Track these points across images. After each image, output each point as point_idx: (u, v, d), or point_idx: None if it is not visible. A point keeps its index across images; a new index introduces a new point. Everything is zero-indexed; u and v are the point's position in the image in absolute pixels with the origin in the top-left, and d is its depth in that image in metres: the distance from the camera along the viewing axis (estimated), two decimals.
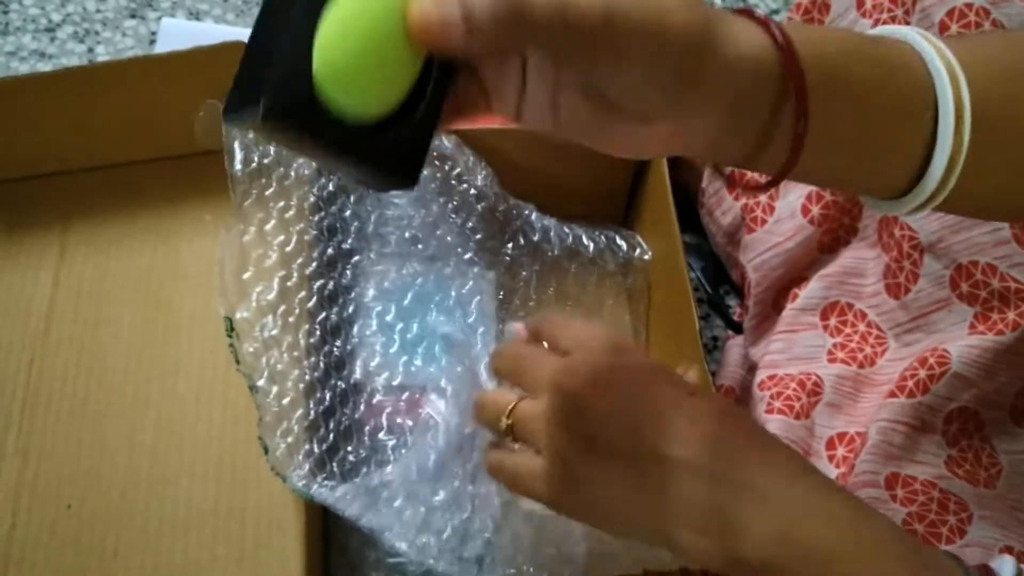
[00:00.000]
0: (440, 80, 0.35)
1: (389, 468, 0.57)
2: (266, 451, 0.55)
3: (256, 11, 0.97)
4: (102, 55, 0.92)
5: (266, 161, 0.61)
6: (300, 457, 0.56)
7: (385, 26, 0.33)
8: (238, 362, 0.56)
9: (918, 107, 0.36)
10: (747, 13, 0.35)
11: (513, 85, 0.35)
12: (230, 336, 0.56)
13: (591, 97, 0.34)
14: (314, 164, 0.64)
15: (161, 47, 0.92)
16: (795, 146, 0.35)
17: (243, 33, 0.92)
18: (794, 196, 0.67)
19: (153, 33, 0.93)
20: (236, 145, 0.60)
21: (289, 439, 0.56)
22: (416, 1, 0.32)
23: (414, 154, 0.35)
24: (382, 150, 0.35)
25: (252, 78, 0.34)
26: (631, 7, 0.31)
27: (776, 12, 1.01)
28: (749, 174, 0.61)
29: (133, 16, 0.94)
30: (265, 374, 0.57)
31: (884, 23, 0.60)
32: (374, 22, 0.33)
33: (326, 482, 0.56)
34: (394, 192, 0.68)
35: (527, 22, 0.31)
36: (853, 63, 0.35)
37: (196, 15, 0.95)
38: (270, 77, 0.33)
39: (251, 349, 0.57)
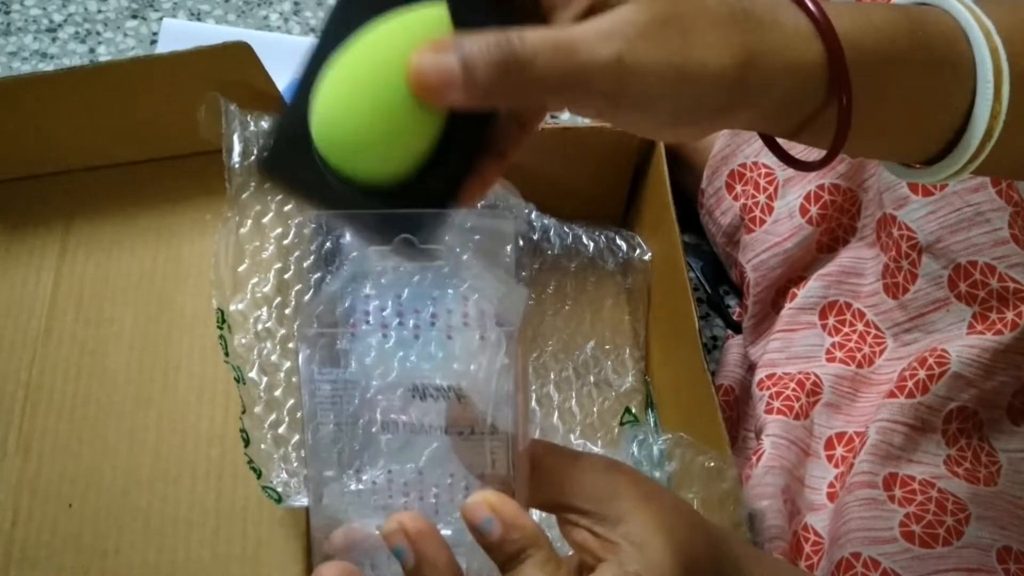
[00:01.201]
0: (465, 139, 0.32)
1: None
2: (247, 443, 0.55)
3: (257, 11, 0.98)
4: (103, 55, 0.92)
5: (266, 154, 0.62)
6: (289, 448, 0.56)
7: (388, 84, 0.30)
8: (227, 354, 0.56)
9: (959, 82, 0.35)
10: None
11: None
12: (220, 328, 0.57)
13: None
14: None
15: (162, 47, 0.92)
16: (837, 139, 0.34)
17: (244, 34, 0.92)
18: (793, 196, 0.67)
19: (154, 34, 0.94)
20: (235, 138, 0.60)
21: (280, 429, 0.56)
22: (414, 55, 0.30)
23: (431, 222, 0.33)
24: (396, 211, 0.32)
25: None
26: (649, 60, 0.29)
27: None
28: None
29: (135, 17, 0.95)
30: (256, 365, 0.57)
31: None
32: (375, 77, 0.31)
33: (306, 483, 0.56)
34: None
35: (529, 78, 0.29)
36: (898, 52, 0.34)
37: (197, 15, 0.95)
38: (273, 132, 0.32)
39: (243, 341, 0.57)
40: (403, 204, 0.32)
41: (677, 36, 0.29)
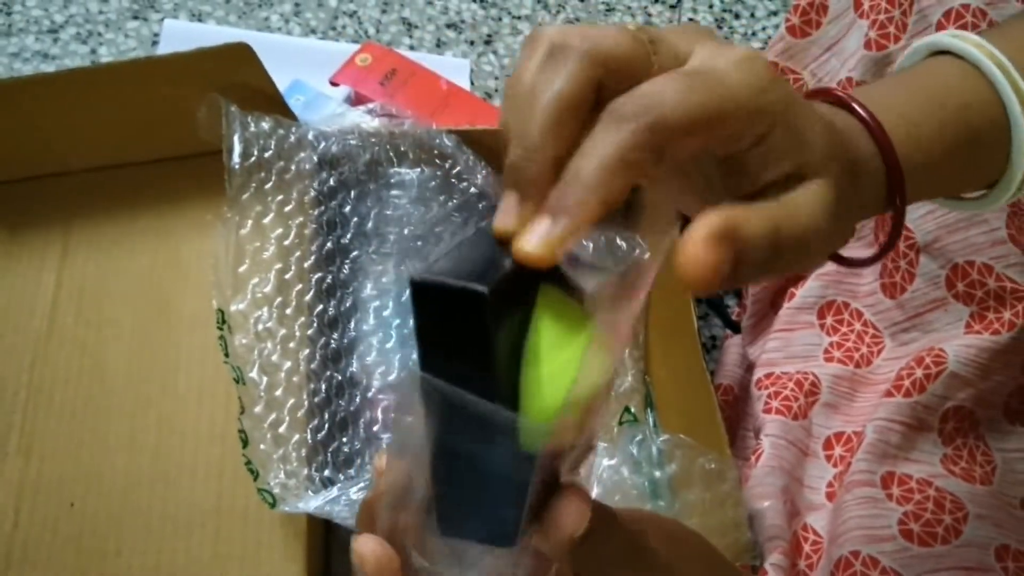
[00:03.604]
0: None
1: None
2: (245, 443, 0.55)
3: (258, 12, 0.98)
4: (105, 56, 0.92)
5: (266, 155, 0.62)
6: (289, 448, 0.56)
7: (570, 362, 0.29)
8: (227, 355, 0.56)
9: (998, 135, 0.37)
10: (830, 96, 0.35)
11: None
12: (220, 328, 0.57)
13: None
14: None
15: (164, 48, 0.92)
16: (894, 226, 0.35)
17: (245, 35, 0.93)
18: None
19: (156, 34, 0.94)
20: (236, 139, 0.60)
21: (280, 429, 0.56)
22: (689, 256, 0.27)
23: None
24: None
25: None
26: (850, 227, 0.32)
27: (775, 13, 1.01)
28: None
29: (136, 17, 0.95)
30: (256, 365, 0.57)
31: (882, 24, 0.60)
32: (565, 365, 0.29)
33: (307, 484, 0.56)
34: (396, 192, 0.68)
35: (781, 265, 0.30)
36: (937, 131, 0.36)
37: (199, 16, 0.95)
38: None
39: (244, 341, 0.57)
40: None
41: (849, 203, 0.32)
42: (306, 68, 0.83)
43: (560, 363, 0.28)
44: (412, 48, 0.95)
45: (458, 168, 0.68)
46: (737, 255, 0.27)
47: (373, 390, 0.62)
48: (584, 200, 0.27)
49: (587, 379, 0.28)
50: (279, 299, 0.60)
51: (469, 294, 0.26)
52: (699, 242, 0.27)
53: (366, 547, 0.32)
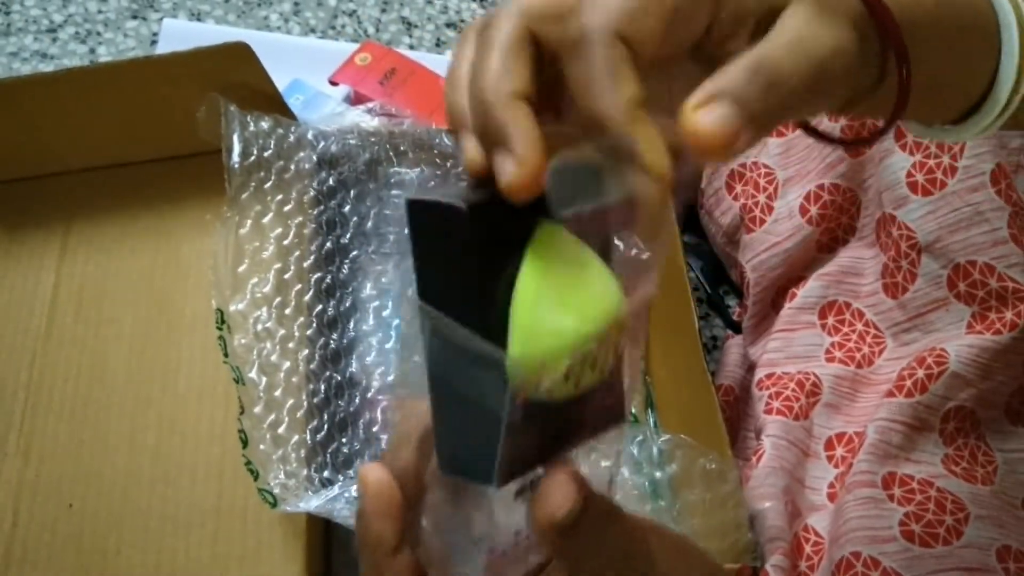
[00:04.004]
0: None
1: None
2: (245, 444, 0.55)
3: (257, 11, 0.98)
4: (104, 56, 0.92)
5: (266, 154, 0.62)
6: (288, 448, 0.56)
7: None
8: (226, 355, 0.56)
9: (985, 41, 0.35)
10: None
11: None
12: (220, 328, 0.57)
13: None
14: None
15: (163, 48, 0.92)
16: (901, 94, 0.33)
17: (244, 34, 0.92)
18: (793, 196, 0.67)
19: (155, 34, 0.94)
20: (235, 138, 0.60)
21: (279, 429, 0.56)
22: (692, 122, 0.27)
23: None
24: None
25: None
26: (844, 46, 0.29)
27: None
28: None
29: (135, 17, 0.95)
30: (256, 365, 0.57)
31: None
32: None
33: (306, 484, 0.56)
34: (395, 191, 0.68)
35: (788, 96, 0.28)
36: (926, 15, 0.34)
37: (198, 16, 0.95)
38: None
39: (243, 341, 0.57)
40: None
41: (835, 18, 0.30)
42: (305, 67, 0.83)
43: (553, 299, 0.28)
44: (412, 47, 0.95)
45: (458, 168, 0.68)
46: (738, 106, 0.26)
47: (373, 391, 0.62)
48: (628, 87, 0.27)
49: (576, 319, 0.28)
50: (278, 299, 0.60)
51: (451, 210, 0.27)
52: (690, 112, 0.26)
53: (372, 472, 0.31)
